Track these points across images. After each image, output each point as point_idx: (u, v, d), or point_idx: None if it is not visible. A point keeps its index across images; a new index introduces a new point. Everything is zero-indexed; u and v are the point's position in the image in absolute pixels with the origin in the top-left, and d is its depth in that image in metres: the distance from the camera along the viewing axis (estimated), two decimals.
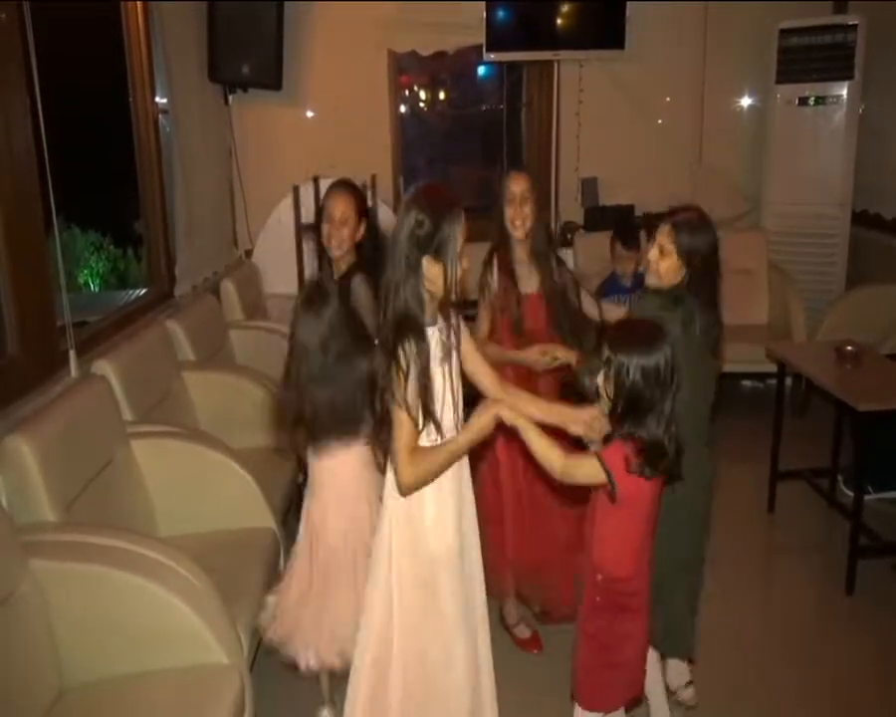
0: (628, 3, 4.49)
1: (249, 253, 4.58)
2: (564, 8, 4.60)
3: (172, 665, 1.89)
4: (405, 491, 1.67)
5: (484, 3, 4.41)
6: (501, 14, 4.52)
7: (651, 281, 2.05)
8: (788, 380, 3.79)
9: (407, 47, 4.62)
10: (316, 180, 4.20)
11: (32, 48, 2.37)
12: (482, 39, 4.46)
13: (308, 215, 3.96)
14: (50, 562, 1.87)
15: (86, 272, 7.10)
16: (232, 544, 2.43)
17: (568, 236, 4.72)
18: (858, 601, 2.82)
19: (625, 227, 3.62)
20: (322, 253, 2.40)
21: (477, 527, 1.82)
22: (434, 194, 1.68)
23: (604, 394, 1.69)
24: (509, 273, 2.42)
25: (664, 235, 2.00)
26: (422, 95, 5.42)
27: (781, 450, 3.38)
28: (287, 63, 4.32)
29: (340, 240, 2.31)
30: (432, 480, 1.67)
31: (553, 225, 4.67)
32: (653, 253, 2.02)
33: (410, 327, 1.62)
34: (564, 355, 2.29)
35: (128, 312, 3.27)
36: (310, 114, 4.65)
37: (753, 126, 4.94)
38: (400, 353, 1.60)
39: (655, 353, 1.63)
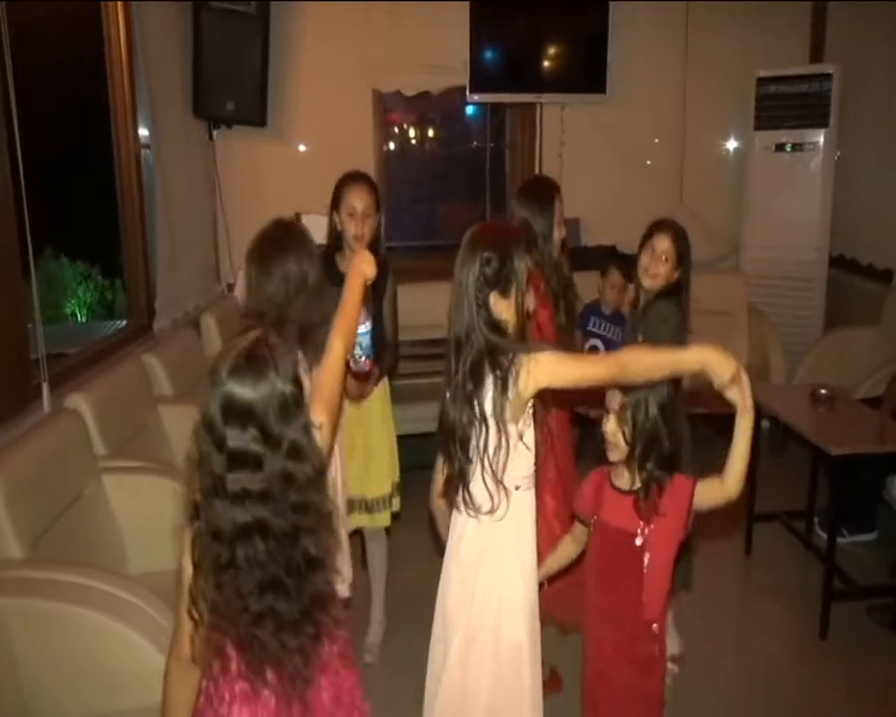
0: (610, 50, 4.58)
1: (231, 287, 4.57)
2: (548, 52, 4.70)
3: (139, 706, 1.84)
4: None
5: (468, 45, 4.49)
6: (485, 56, 4.60)
7: (648, 283, 2.42)
8: (766, 422, 3.82)
9: (392, 87, 4.68)
10: (298, 216, 4.21)
11: (10, 80, 2.37)
12: (466, 80, 4.54)
13: None
14: (13, 599, 1.84)
15: (73, 302, 7.08)
16: None
17: None
18: (832, 645, 2.81)
19: (623, 259, 3.67)
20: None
21: None
22: (496, 231, 1.67)
23: (620, 442, 1.66)
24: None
25: (668, 241, 2.36)
26: (410, 133, 5.48)
27: (758, 491, 3.39)
28: (272, 99, 4.35)
29: (365, 233, 2.34)
30: None
31: None
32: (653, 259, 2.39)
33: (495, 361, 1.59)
34: None
35: (106, 345, 3.24)
36: (294, 150, 4.68)
37: (732, 171, 5.03)
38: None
39: (662, 386, 1.63)
